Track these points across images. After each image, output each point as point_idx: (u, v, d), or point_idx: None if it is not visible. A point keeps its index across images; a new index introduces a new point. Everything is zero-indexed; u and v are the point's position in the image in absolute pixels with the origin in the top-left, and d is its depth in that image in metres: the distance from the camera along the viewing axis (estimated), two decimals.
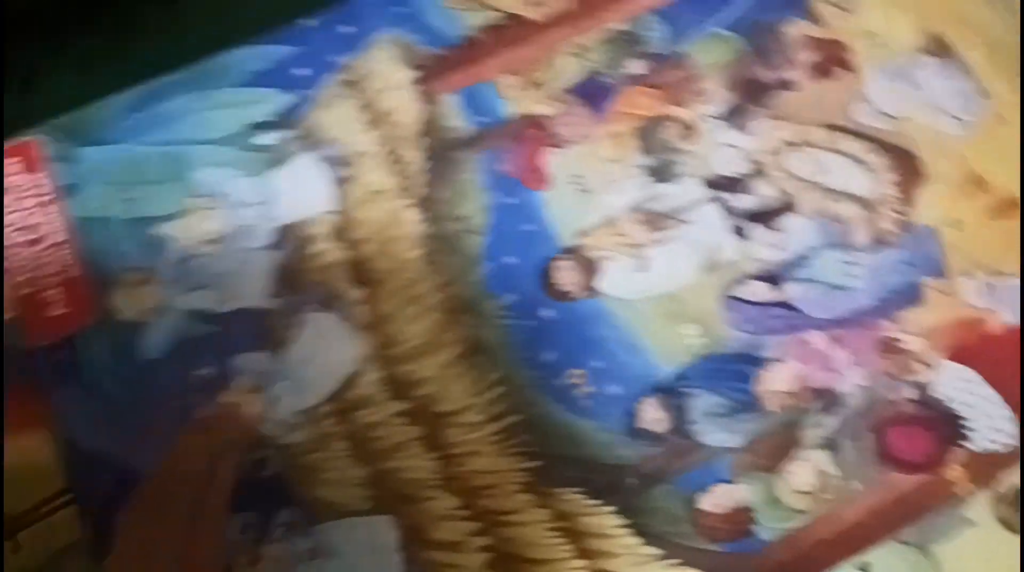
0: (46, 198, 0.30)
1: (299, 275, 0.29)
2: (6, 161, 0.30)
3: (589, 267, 0.29)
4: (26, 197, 0.30)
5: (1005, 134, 0.31)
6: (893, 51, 0.32)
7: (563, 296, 0.29)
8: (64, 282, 0.29)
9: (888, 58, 0.32)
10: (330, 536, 0.26)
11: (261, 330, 0.28)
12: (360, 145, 0.30)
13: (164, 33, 0.33)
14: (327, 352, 0.28)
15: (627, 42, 0.32)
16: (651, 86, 0.31)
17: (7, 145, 0.31)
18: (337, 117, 0.31)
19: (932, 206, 0.30)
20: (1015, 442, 0.27)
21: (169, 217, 0.29)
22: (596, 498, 0.26)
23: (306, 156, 0.30)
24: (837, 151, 0.31)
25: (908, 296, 0.29)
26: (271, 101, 0.31)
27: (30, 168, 0.31)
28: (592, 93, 0.31)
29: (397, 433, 0.27)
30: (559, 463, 0.27)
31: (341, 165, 0.30)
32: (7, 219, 0.30)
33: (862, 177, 0.30)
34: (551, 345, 0.28)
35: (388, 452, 0.27)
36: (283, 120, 0.31)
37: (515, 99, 0.31)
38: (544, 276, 0.29)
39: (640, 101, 0.31)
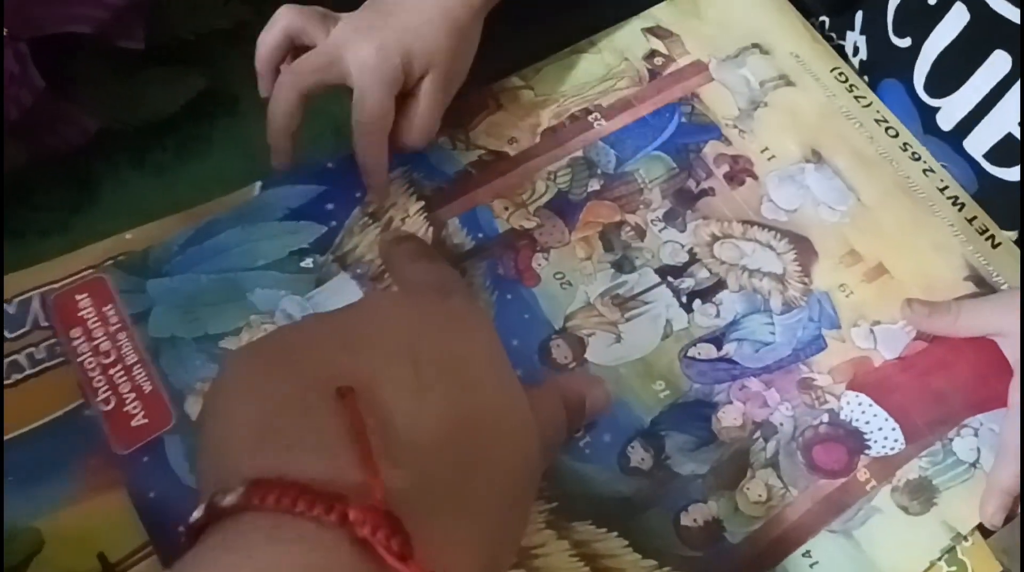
0: (116, 326, 0.37)
1: None
2: (77, 297, 0.38)
3: (577, 343, 0.39)
4: (97, 327, 0.37)
5: (868, 217, 0.42)
6: (783, 162, 0.43)
7: (560, 367, 0.38)
8: (141, 396, 0.36)
9: (780, 167, 0.43)
10: None
11: None
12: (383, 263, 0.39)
13: (229, 148, 0.41)
14: None
15: (585, 166, 0.43)
16: (608, 199, 0.42)
17: (79, 282, 0.38)
18: (365, 241, 0.40)
19: (824, 276, 0.41)
20: (903, 446, 0.37)
21: (230, 333, 0.37)
22: (603, 526, 0.35)
23: (342, 275, 0.39)
24: (752, 240, 0.42)
25: (814, 345, 0.39)
26: (309, 231, 0.40)
27: (100, 301, 0.38)
28: (564, 207, 0.42)
29: None
30: (571, 501, 0.35)
31: (371, 280, 0.39)
32: (81, 348, 0.37)
33: (772, 258, 0.41)
34: None
35: None
36: (320, 246, 0.39)
37: (505, 217, 0.41)
38: (543, 353, 0.38)
39: (601, 211, 0.42)
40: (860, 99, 0.46)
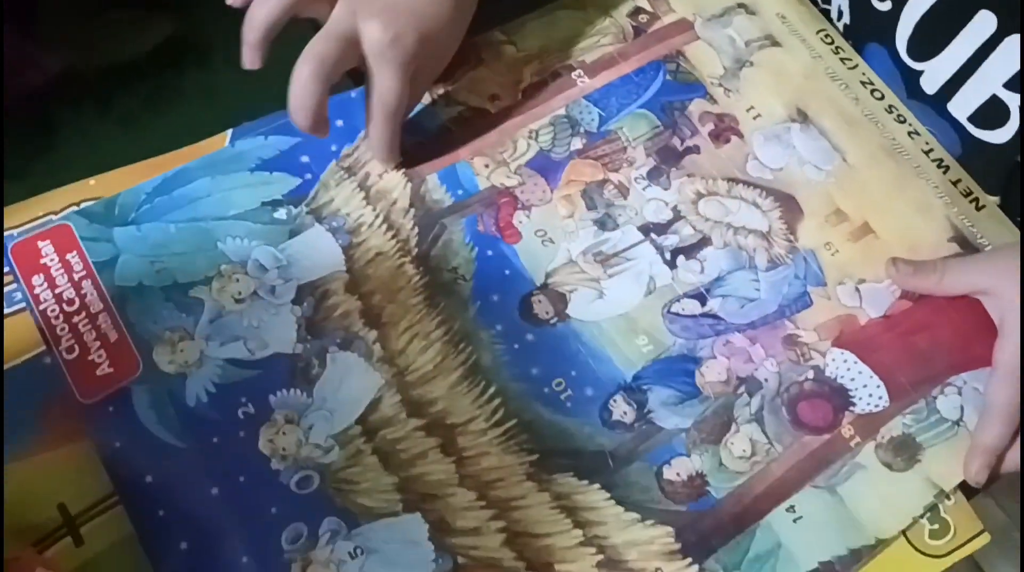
0: (81, 274, 0.36)
1: (320, 323, 0.36)
2: (40, 244, 0.37)
3: (559, 299, 0.38)
4: (60, 274, 0.36)
5: (853, 177, 0.43)
6: (769, 121, 0.43)
7: (541, 323, 0.38)
8: (107, 345, 0.35)
9: (766, 126, 0.43)
10: (369, 536, 0.33)
11: (292, 371, 0.35)
12: (361, 217, 0.39)
13: (199, 98, 0.40)
14: (351, 384, 0.35)
15: (568, 124, 0.42)
16: (590, 158, 0.42)
17: (41, 230, 0.37)
18: (340, 195, 0.39)
19: (810, 234, 0.41)
20: (887, 404, 0.37)
21: (200, 282, 0.36)
22: (584, 479, 0.34)
23: (317, 227, 0.38)
24: (737, 197, 0.42)
25: (800, 302, 0.39)
26: (282, 183, 0.39)
27: (63, 249, 0.37)
28: (545, 166, 0.41)
29: (417, 444, 0.34)
30: (553, 455, 0.35)
31: (347, 233, 0.38)
32: (43, 295, 0.36)
33: (757, 215, 0.41)
34: (535, 362, 0.36)
35: (411, 461, 0.34)
36: (294, 198, 0.39)
37: (485, 175, 0.41)
38: (524, 308, 0.38)
39: (583, 170, 0.42)
40: (846, 61, 0.46)
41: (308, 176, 0.39)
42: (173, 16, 0.45)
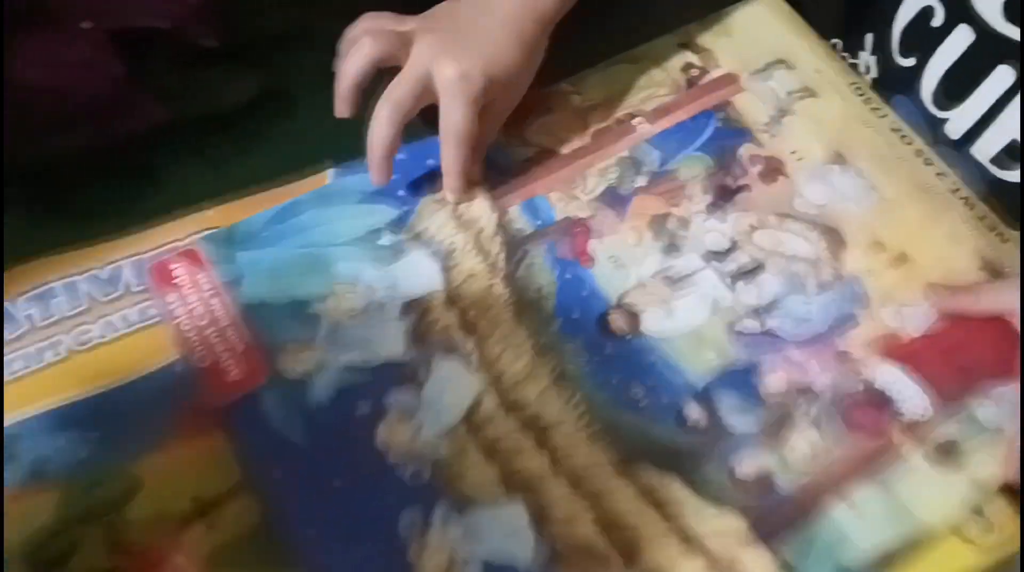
0: (211, 291, 0.41)
1: (424, 335, 0.41)
2: (171, 265, 0.42)
3: (632, 317, 0.43)
4: (191, 292, 0.41)
5: (890, 212, 0.48)
6: (811, 163, 0.49)
7: (618, 337, 0.42)
8: (235, 354, 0.40)
9: (808, 167, 0.49)
10: (477, 522, 0.37)
11: (402, 376, 0.40)
12: (454, 243, 0.44)
13: (283, 143, 0.45)
14: (454, 387, 0.40)
15: (632, 164, 0.48)
16: (653, 194, 0.47)
17: (176, 252, 0.42)
18: (434, 223, 0.44)
19: (853, 262, 0.46)
20: (932, 413, 0.41)
21: (317, 299, 0.41)
22: (667, 476, 0.38)
23: (417, 252, 0.43)
24: (787, 230, 0.47)
25: (848, 322, 0.44)
26: (384, 213, 0.44)
27: (193, 269, 0.42)
28: (614, 200, 0.47)
29: (515, 442, 0.39)
30: (636, 453, 0.39)
31: (443, 257, 0.43)
32: (177, 311, 0.41)
33: (806, 246, 0.46)
34: (615, 372, 0.41)
35: (511, 456, 0.38)
36: (395, 226, 0.44)
37: (561, 207, 0.46)
38: (601, 325, 0.42)
39: (648, 204, 0.47)
40: (876, 110, 0.52)
41: (406, 208, 0.45)
42: (263, 70, 0.51)
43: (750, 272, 0.45)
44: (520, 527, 0.37)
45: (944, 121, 0.50)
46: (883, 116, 0.52)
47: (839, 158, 0.49)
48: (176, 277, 0.41)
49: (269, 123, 0.49)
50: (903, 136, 0.51)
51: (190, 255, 0.42)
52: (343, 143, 0.45)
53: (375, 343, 0.40)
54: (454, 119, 0.42)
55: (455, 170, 0.44)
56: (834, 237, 0.47)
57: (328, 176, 0.46)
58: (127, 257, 0.42)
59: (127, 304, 0.41)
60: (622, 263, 0.45)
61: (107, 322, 0.40)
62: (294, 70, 0.50)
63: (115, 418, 0.38)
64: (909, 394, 0.42)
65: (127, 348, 0.40)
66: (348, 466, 0.37)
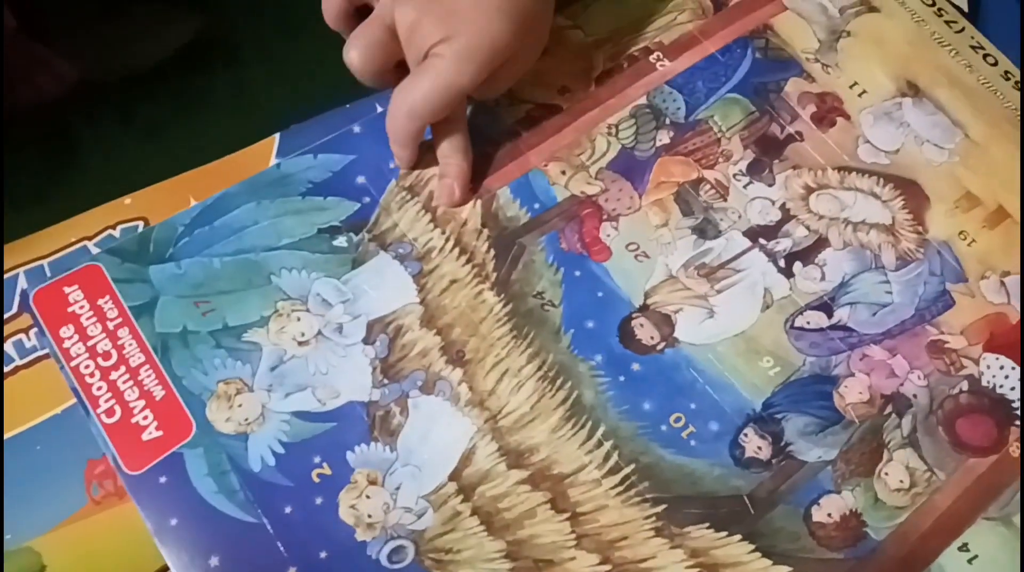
0: (116, 322, 0.32)
1: (397, 364, 0.32)
2: (66, 290, 0.33)
3: (664, 321, 0.34)
4: (92, 324, 0.32)
5: (979, 155, 0.38)
6: (876, 97, 0.39)
7: (647, 349, 0.34)
8: (152, 404, 0.31)
9: (874, 103, 0.39)
10: None
11: (371, 422, 0.31)
12: (430, 242, 0.35)
13: (231, 103, 0.37)
14: (439, 433, 0.31)
15: (651, 115, 0.38)
16: (680, 154, 0.38)
17: (67, 274, 0.33)
18: (404, 218, 0.35)
19: (940, 224, 0.37)
20: None
21: (255, 323, 0.32)
22: (722, 530, 0.30)
23: (382, 255, 0.34)
24: (851, 188, 0.38)
25: (940, 302, 0.35)
26: (338, 208, 0.35)
27: (93, 294, 0.33)
28: (630, 167, 0.37)
29: (523, 501, 0.30)
30: (681, 503, 0.31)
31: (416, 260, 0.34)
32: (74, 349, 0.32)
33: (877, 207, 0.37)
34: (647, 395, 0.32)
35: (519, 521, 0.30)
36: (354, 224, 0.35)
37: (563, 183, 0.37)
38: (624, 334, 0.34)
39: (673, 168, 0.38)
40: (951, 24, 0.42)
41: (367, 199, 0.35)
42: (196, 14, 0.41)
43: (809, 249, 0.36)
44: None
45: None
46: (959, 30, 0.42)
47: (911, 88, 0.40)
48: (72, 304, 0.33)
49: (205, 79, 0.40)
50: (986, 55, 0.41)
51: (89, 274, 0.33)
52: (294, 102, 0.36)
53: (333, 379, 0.32)
54: (414, 96, 0.33)
55: (401, 140, 0.35)
56: (913, 192, 0.38)
57: (274, 149, 0.37)
58: (22, 265, 0.34)
59: (22, 325, 0.33)
60: (644, 252, 0.36)
61: None
62: (237, 11, 0.40)
63: (7, 480, 0.30)
64: None
65: (22, 385, 0.32)
66: (305, 548, 0.29)
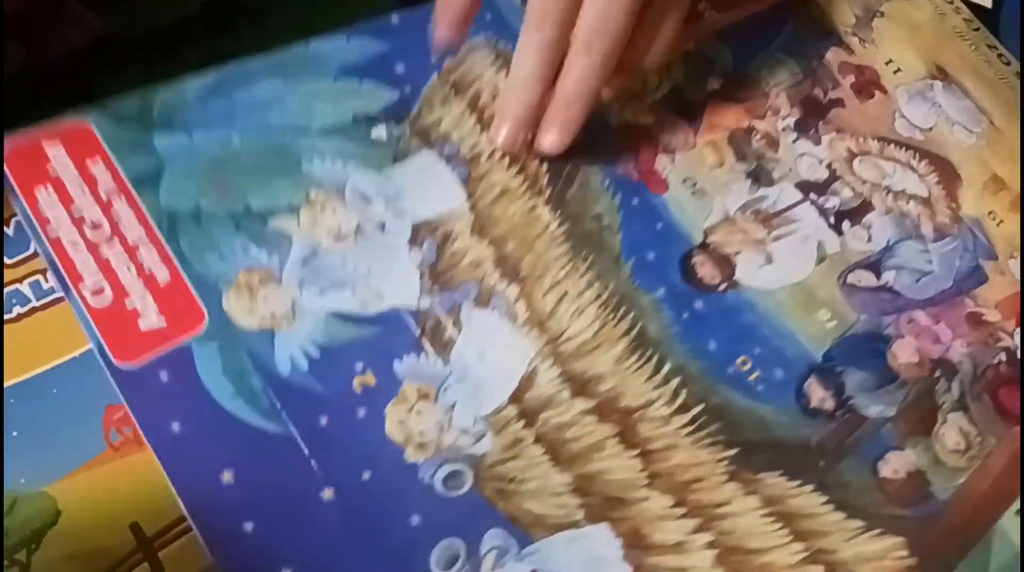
0: (108, 189, 0.27)
1: (448, 273, 0.28)
2: (47, 147, 0.27)
3: (724, 262, 0.32)
4: (79, 189, 0.26)
5: (1003, 142, 0.40)
6: (910, 76, 0.40)
7: (709, 289, 0.32)
8: (153, 287, 0.26)
9: (908, 82, 0.40)
10: (548, 556, 0.25)
11: (420, 331, 0.27)
12: (477, 146, 0.31)
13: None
14: (497, 351, 0.27)
15: (701, 60, 0.37)
16: (732, 101, 0.37)
17: (51, 129, 0.27)
18: (449, 116, 0.32)
19: (971, 202, 0.38)
20: None
21: (283, 211, 0.28)
22: (796, 479, 0.28)
23: (426, 152, 0.30)
24: (891, 158, 0.38)
25: (975, 277, 0.36)
26: (375, 96, 0.31)
27: (80, 154, 0.27)
28: (682, 107, 0.36)
29: (590, 433, 0.27)
30: (753, 449, 0.28)
31: (463, 163, 0.31)
32: (55, 216, 0.26)
33: (915, 179, 0.38)
34: (712, 334, 0.30)
35: (587, 454, 0.27)
36: (394, 114, 0.31)
37: (616, 108, 0.34)
38: (686, 271, 0.32)
39: (726, 114, 0.36)
40: (968, 22, 0.44)
41: (407, 89, 0.31)
42: None
43: (856, 210, 0.36)
44: (609, 559, 0.25)
45: None
46: (976, 29, 0.44)
47: (940, 73, 0.41)
48: (54, 162, 0.26)
49: (230, 37, 0.37)
50: (999, 54, 0.43)
51: (76, 135, 0.27)
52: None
53: (376, 281, 0.27)
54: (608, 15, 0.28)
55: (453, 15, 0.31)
56: (946, 169, 0.38)
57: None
58: None
59: (40, 266, 0.27)
60: (702, 190, 0.34)
61: (14, 291, 0.26)
62: None
63: (20, 427, 0.24)
64: None
65: (35, 328, 0.26)
66: (345, 469, 0.24)
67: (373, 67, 0.32)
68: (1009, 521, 0.30)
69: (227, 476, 0.23)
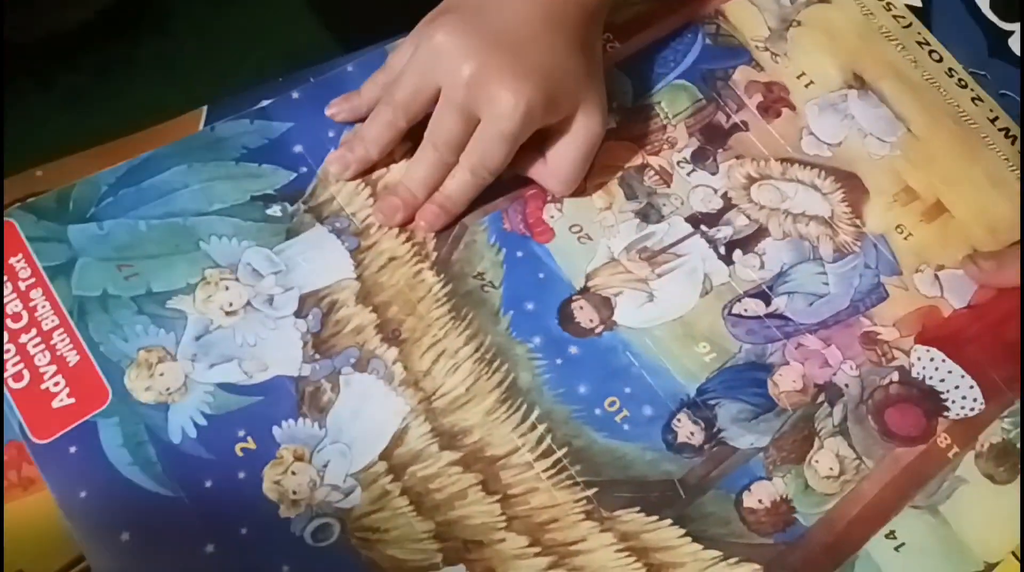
0: (28, 282, 0.31)
1: (330, 340, 0.32)
2: None
3: (603, 304, 0.34)
4: (5, 283, 0.31)
5: (920, 149, 0.40)
6: (823, 88, 0.40)
7: (585, 333, 0.34)
8: (65, 370, 0.30)
9: (820, 95, 0.40)
10: None
11: (300, 397, 0.31)
12: (369, 218, 0.34)
13: (157, 72, 0.35)
14: (371, 412, 0.31)
15: None
16: (626, 139, 0.38)
17: None
18: (343, 192, 0.35)
19: (878, 217, 0.38)
20: (983, 407, 0.34)
21: (181, 290, 0.32)
22: (653, 514, 0.31)
23: (318, 228, 0.34)
24: (793, 180, 0.38)
25: (875, 295, 0.36)
26: (273, 176, 0.34)
27: (5, 252, 0.32)
28: None
29: (454, 482, 0.30)
30: (612, 487, 0.31)
31: (353, 235, 0.34)
32: None
33: (817, 199, 0.38)
34: (583, 378, 0.33)
35: (449, 502, 0.30)
36: (289, 194, 0.34)
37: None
38: (564, 317, 0.34)
39: (619, 153, 0.38)
40: (899, 19, 0.43)
41: (303, 169, 0.35)
42: None
43: (749, 238, 0.37)
44: None
45: (1008, 34, 0.42)
46: (907, 25, 0.43)
47: (857, 81, 0.41)
48: None
49: (130, 46, 0.39)
50: (931, 51, 0.42)
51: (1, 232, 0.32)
52: (222, 75, 0.35)
53: (261, 352, 0.31)
54: (491, 154, 0.34)
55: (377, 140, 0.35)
56: (853, 185, 0.39)
57: (201, 120, 0.36)
58: None
59: None
60: (587, 234, 0.36)
61: None
62: None
63: None
64: (954, 383, 0.35)
65: None
66: (225, 525, 0.28)
67: (273, 149, 0.35)
68: (876, 545, 0.31)
69: (125, 536, 0.28)
